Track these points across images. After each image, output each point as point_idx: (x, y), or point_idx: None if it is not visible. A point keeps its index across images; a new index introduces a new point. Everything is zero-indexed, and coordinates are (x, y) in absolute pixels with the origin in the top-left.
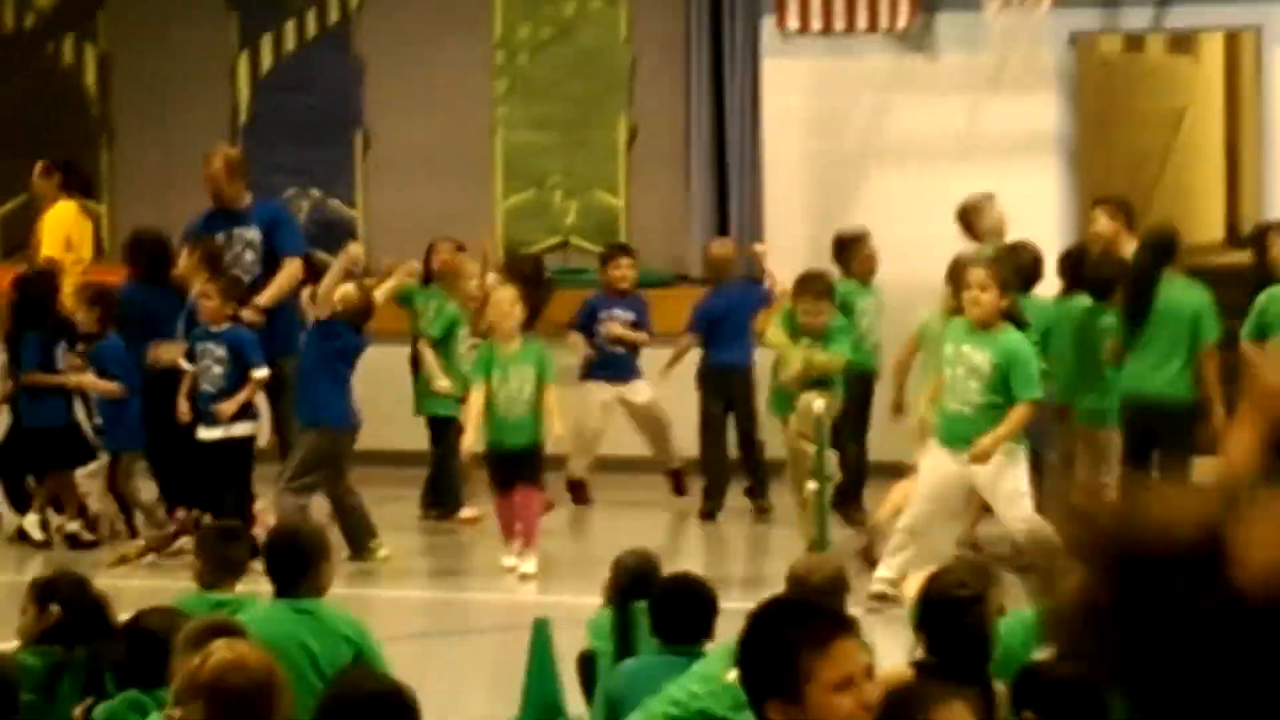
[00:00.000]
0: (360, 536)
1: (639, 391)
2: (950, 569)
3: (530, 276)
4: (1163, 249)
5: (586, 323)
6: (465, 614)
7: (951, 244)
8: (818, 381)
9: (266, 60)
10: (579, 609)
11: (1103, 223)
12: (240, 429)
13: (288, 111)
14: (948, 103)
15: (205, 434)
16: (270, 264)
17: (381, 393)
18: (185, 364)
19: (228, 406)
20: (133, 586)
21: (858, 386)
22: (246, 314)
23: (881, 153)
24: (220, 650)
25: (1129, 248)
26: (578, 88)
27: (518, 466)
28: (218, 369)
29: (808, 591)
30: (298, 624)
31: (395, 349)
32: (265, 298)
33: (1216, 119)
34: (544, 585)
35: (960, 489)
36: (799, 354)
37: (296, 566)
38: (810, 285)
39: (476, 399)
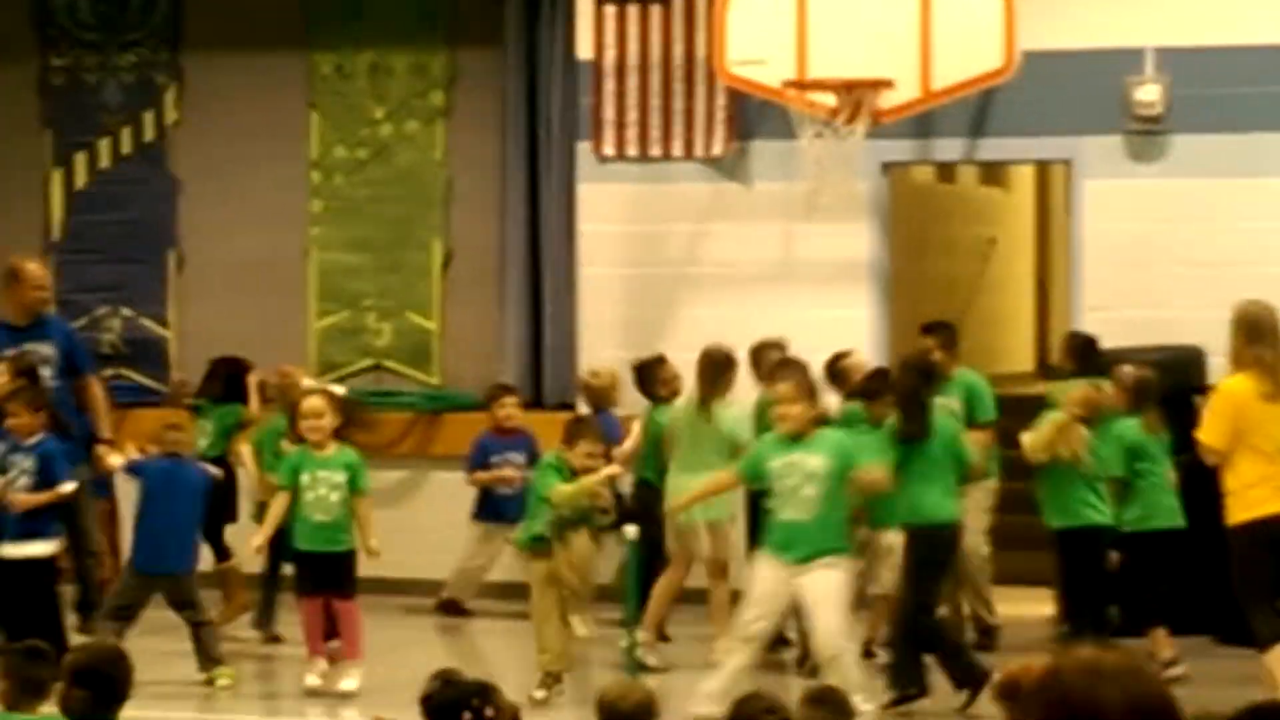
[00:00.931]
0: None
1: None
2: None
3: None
4: (926, 373)
5: (480, 463)
6: None
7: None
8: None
9: (81, 177)
10: None
11: (938, 353)
12: (37, 548)
13: (101, 228)
14: (763, 229)
15: (7, 551)
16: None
17: None
18: None
19: (26, 499)
20: None
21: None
22: (112, 460)
23: (698, 278)
24: None
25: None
26: (393, 209)
27: (326, 573)
28: (23, 480)
29: (620, 718)
30: None
31: None
32: (107, 431)
33: (1027, 249)
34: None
35: (787, 596)
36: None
37: (113, 688)
38: (587, 429)
39: (280, 501)
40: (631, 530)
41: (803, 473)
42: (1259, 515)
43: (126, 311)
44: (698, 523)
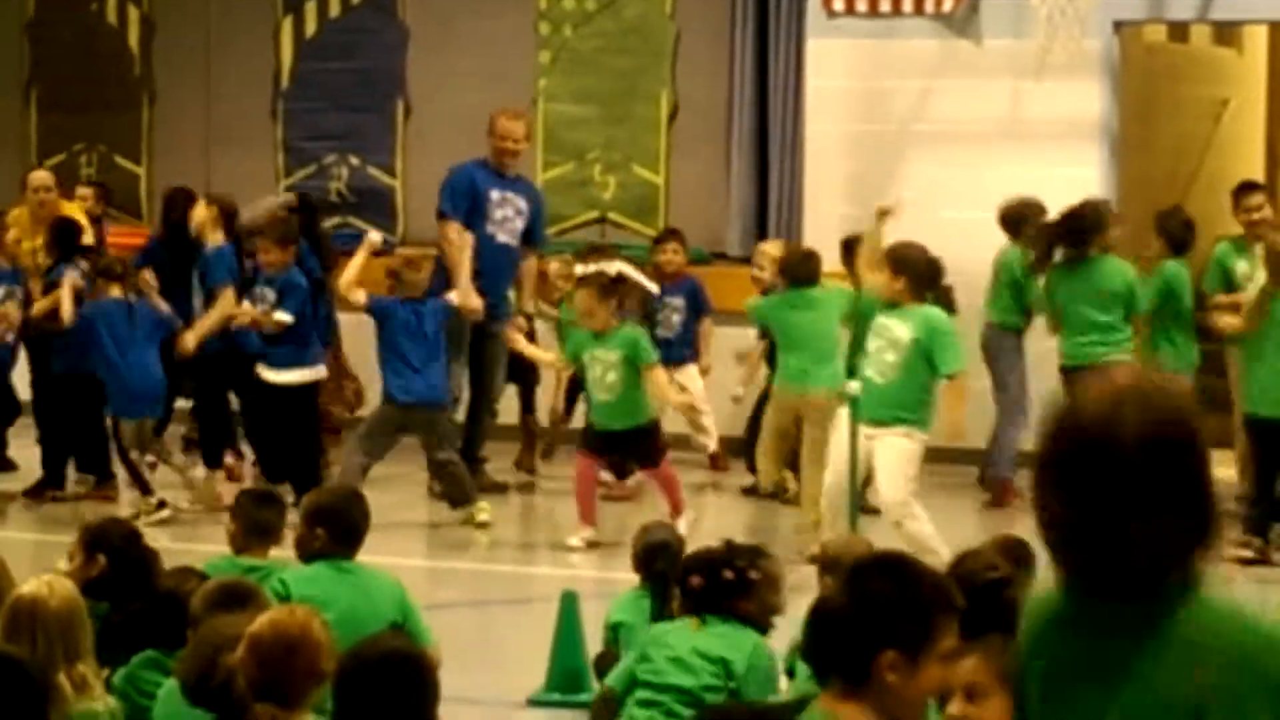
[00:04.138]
0: (458, 495)
1: (690, 378)
2: (979, 551)
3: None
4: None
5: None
6: (521, 585)
7: (993, 229)
8: None
9: (310, 25)
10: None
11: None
12: (291, 375)
13: (330, 77)
14: (991, 87)
15: (269, 375)
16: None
17: None
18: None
19: (250, 313)
20: (165, 548)
21: None
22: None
23: (924, 136)
24: (270, 610)
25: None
26: (621, 62)
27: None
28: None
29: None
30: (340, 584)
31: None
32: (528, 303)
33: (1259, 112)
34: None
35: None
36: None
37: (349, 529)
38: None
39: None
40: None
41: (887, 338)
42: None
43: (354, 160)
44: None
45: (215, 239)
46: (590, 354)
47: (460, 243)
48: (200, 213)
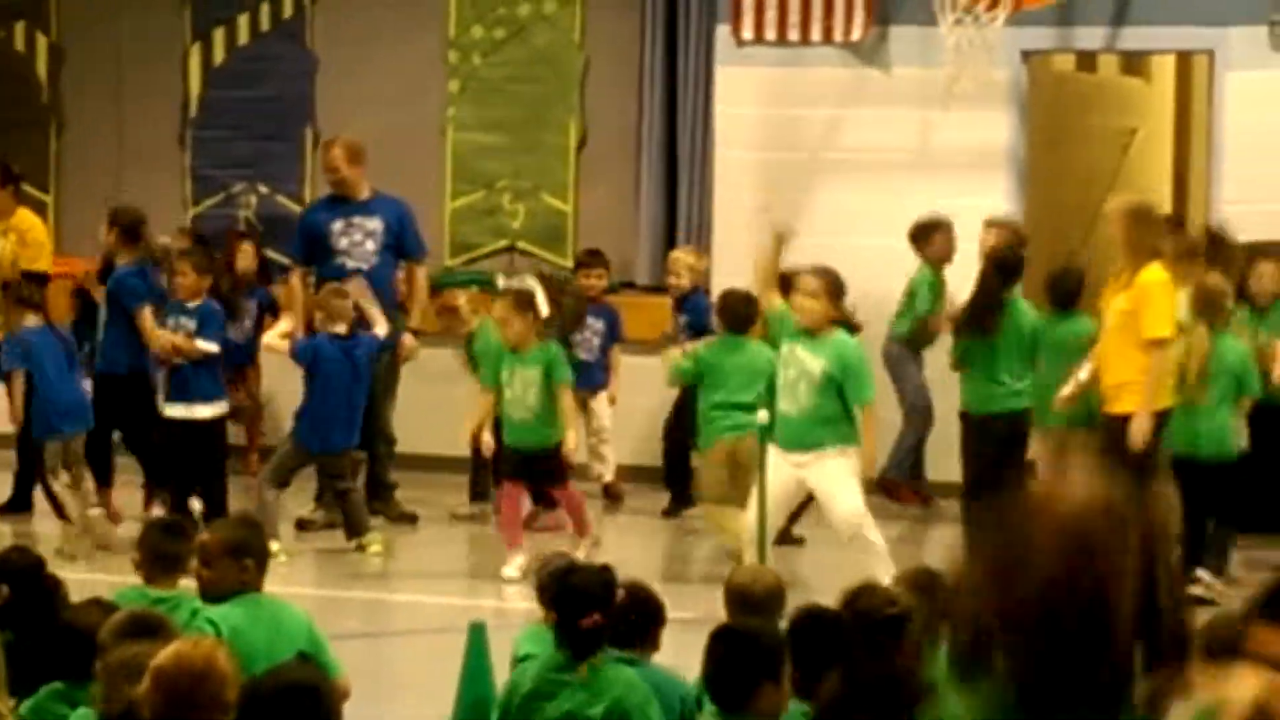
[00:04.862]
0: (357, 523)
1: (600, 404)
2: (875, 586)
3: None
4: (1009, 269)
5: None
6: (426, 616)
7: (903, 256)
8: None
9: (219, 52)
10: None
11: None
12: (203, 410)
13: (239, 104)
14: (900, 116)
15: (172, 412)
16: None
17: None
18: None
19: (179, 341)
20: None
21: None
22: (407, 343)
23: (834, 164)
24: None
25: None
26: (530, 90)
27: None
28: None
29: (750, 604)
30: (255, 617)
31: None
32: (415, 318)
33: (1166, 141)
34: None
35: (797, 491)
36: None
37: (258, 562)
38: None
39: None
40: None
41: (800, 369)
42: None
43: (263, 188)
44: None
45: (125, 258)
46: (510, 370)
47: (289, 291)
48: (106, 231)
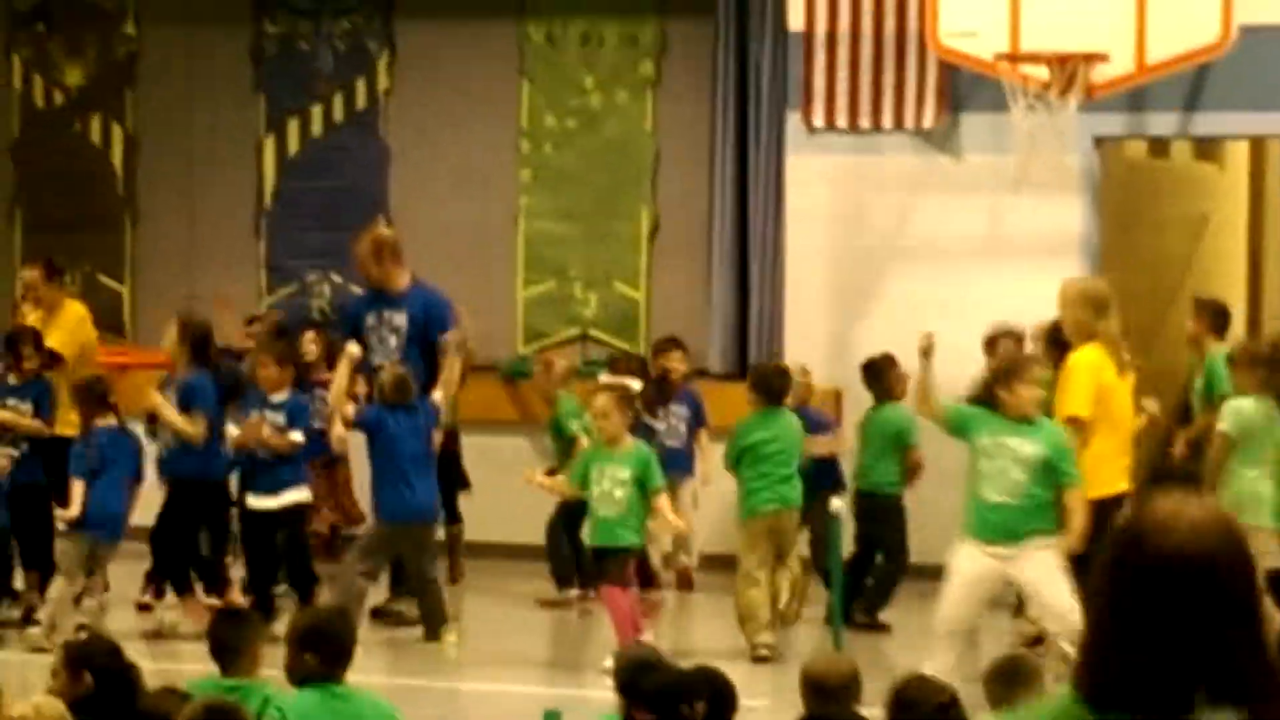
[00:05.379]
0: (434, 620)
1: (689, 493)
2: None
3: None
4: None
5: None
6: (500, 705)
7: (973, 343)
8: None
9: (293, 143)
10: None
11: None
12: (291, 495)
13: (313, 195)
14: (972, 203)
15: (256, 503)
16: (421, 348)
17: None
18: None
19: (268, 436)
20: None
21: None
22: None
23: (904, 251)
24: None
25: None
26: (602, 179)
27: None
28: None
29: (826, 693)
30: (332, 710)
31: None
32: (440, 396)
33: (1240, 226)
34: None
35: (995, 585)
36: None
37: (339, 651)
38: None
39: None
40: (836, 504)
41: (1012, 456)
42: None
43: (336, 278)
44: None
45: (185, 370)
46: (599, 468)
47: (344, 357)
48: (171, 341)
